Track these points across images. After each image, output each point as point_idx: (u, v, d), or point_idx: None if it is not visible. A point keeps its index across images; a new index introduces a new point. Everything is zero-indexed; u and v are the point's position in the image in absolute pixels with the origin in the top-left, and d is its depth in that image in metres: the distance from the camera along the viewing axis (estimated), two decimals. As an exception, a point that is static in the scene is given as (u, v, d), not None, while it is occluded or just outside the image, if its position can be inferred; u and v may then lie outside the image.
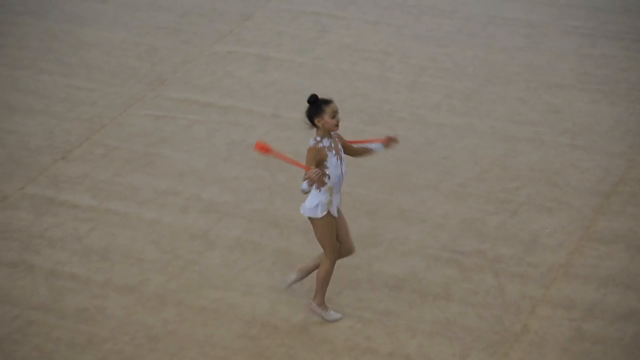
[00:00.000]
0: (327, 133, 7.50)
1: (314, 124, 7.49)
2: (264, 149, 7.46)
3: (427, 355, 7.66)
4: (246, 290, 8.35)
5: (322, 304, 7.91)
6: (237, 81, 11.37)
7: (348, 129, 10.54)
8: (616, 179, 9.57)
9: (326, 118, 7.43)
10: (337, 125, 7.48)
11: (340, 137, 7.66)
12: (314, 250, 8.76)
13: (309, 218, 7.63)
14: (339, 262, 8.62)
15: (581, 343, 7.72)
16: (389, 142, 7.84)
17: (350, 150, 7.75)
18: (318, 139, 7.48)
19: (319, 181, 7.42)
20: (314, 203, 7.54)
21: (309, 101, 7.46)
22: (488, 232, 8.93)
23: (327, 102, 7.46)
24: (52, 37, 12.30)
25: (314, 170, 7.27)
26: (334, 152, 7.51)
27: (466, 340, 7.79)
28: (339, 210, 7.71)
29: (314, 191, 7.53)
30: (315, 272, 7.91)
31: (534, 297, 8.17)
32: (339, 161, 7.53)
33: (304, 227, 9.03)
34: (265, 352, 7.74)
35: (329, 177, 7.50)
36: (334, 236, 7.67)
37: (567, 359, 7.57)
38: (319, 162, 7.46)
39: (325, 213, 7.57)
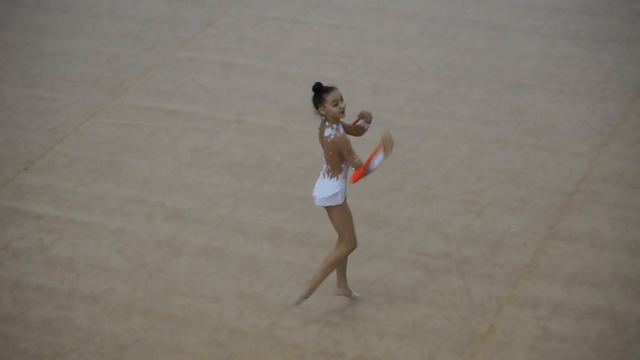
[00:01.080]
0: (336, 120, 7.48)
1: (320, 113, 7.47)
2: (359, 175, 7.39)
3: (395, 357, 7.68)
4: (213, 297, 8.33)
5: (310, 284, 7.85)
6: (200, 87, 11.34)
7: (312, 133, 10.56)
8: (579, 178, 9.64)
9: (328, 106, 7.39)
10: (342, 113, 7.44)
11: (343, 123, 7.64)
12: (281, 255, 8.76)
13: (327, 207, 7.64)
14: (304, 265, 8.63)
15: (548, 341, 7.76)
16: (365, 117, 7.79)
17: (354, 132, 7.73)
18: (335, 126, 7.49)
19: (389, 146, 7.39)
20: (333, 192, 7.57)
21: (313, 89, 7.43)
22: (453, 234, 8.96)
23: (328, 90, 7.41)
24: (13, 48, 12.22)
25: (389, 138, 7.33)
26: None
27: (434, 341, 7.81)
28: None
29: (329, 181, 7.56)
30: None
31: (500, 297, 8.21)
32: None
33: (270, 233, 9.02)
34: (234, 359, 7.72)
35: (345, 166, 7.59)
36: (352, 221, 7.72)
37: (534, 358, 7.61)
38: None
39: (344, 199, 7.64)
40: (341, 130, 7.50)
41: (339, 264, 7.89)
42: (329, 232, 8.93)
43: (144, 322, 8.08)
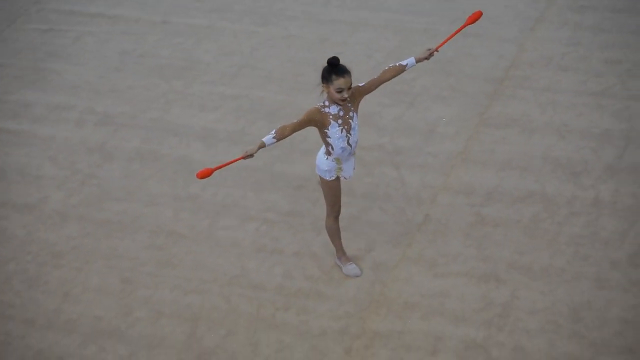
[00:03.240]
0: (332, 102, 7.00)
1: (322, 87, 6.96)
2: (206, 174, 6.83)
3: (333, 251, 7.74)
4: (149, 201, 8.30)
5: (340, 256, 7.65)
6: (124, -11, 11.14)
7: (240, 31, 10.46)
8: (508, 64, 9.68)
9: (331, 89, 6.89)
10: (342, 101, 6.92)
11: (358, 90, 7.05)
12: (214, 156, 8.73)
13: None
14: (238, 164, 8.62)
15: (482, 227, 7.87)
16: (428, 56, 7.20)
17: (379, 82, 7.12)
18: (326, 103, 7.00)
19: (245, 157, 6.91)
20: (325, 168, 7.22)
21: (328, 62, 6.89)
22: (386, 126, 8.99)
23: (339, 73, 6.85)
24: None
25: (246, 154, 6.85)
26: (339, 122, 7.01)
27: (370, 234, 7.88)
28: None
29: (324, 157, 7.21)
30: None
31: (435, 186, 8.29)
32: (344, 132, 7.05)
33: (203, 134, 8.97)
34: (173, 260, 7.73)
35: (333, 148, 7.11)
36: (338, 196, 7.38)
37: (469, 244, 7.72)
38: (320, 126, 7.02)
39: (334, 178, 7.29)
40: (331, 110, 6.97)
41: (336, 231, 7.55)
42: (261, 130, 8.92)
43: (79, 228, 8.04)
